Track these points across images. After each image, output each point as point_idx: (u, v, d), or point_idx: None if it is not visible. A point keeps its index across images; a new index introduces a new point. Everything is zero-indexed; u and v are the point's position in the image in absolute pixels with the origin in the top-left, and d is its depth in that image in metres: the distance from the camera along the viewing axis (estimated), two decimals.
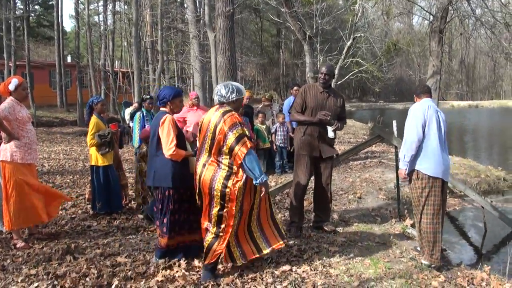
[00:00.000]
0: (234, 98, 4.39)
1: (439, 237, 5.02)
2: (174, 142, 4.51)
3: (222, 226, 4.24)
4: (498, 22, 15.48)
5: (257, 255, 4.56)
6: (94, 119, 6.58)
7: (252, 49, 49.94)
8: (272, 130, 10.04)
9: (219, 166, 4.21)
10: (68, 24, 79.60)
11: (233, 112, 4.26)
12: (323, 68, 5.82)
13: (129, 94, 23.14)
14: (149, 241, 5.49)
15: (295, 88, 9.76)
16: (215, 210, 4.21)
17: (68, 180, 9.58)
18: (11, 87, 5.26)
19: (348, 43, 17.36)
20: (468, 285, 4.55)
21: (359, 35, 17.91)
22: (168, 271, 4.44)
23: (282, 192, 7.86)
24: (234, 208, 4.18)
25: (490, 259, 6.45)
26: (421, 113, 4.96)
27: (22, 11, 34.66)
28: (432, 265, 4.98)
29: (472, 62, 73.57)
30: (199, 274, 4.38)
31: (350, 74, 20.03)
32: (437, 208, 4.99)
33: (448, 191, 6.45)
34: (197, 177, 4.33)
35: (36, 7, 46.75)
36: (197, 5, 20.92)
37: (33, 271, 4.48)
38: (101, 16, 35.38)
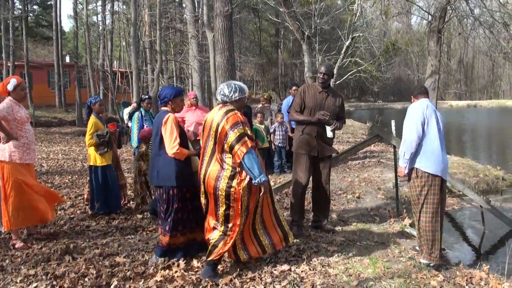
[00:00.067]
0: (237, 97, 4.41)
1: (438, 236, 5.03)
2: (178, 140, 4.52)
3: (230, 225, 4.27)
4: (496, 22, 15.50)
5: (261, 255, 4.64)
6: (92, 119, 6.58)
7: (250, 49, 49.91)
8: (271, 130, 10.04)
9: (222, 165, 4.22)
10: (67, 24, 79.41)
11: (235, 111, 4.28)
12: (322, 68, 5.82)
13: (128, 94, 23.12)
14: (147, 241, 5.49)
15: (294, 88, 9.77)
16: (221, 210, 4.24)
17: (66, 180, 9.57)
18: (10, 87, 5.26)
19: (347, 43, 17.37)
20: (467, 285, 4.55)
21: (357, 35, 17.93)
22: (167, 271, 4.44)
23: (281, 192, 7.86)
24: (239, 207, 4.21)
25: (489, 259, 6.46)
26: (420, 112, 5.00)
27: (20, 11, 34.59)
28: (431, 264, 4.99)
29: (470, 61, 73.62)
30: (198, 274, 4.37)
31: (349, 74, 20.03)
32: (436, 206, 5.00)
33: (447, 190, 6.46)
34: (201, 176, 4.35)
35: (35, 7, 46.71)
36: (196, 5, 20.87)
37: (32, 272, 4.48)
38: (99, 16, 35.27)
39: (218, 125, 4.20)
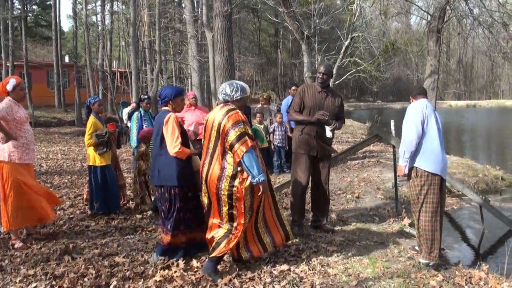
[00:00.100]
0: (239, 97, 4.45)
1: (438, 235, 5.04)
2: (180, 140, 4.54)
3: (234, 224, 4.31)
4: (495, 22, 15.51)
5: (262, 253, 4.67)
6: (91, 119, 6.57)
7: (250, 49, 49.93)
8: (270, 130, 10.05)
9: (224, 165, 4.24)
10: (66, 24, 79.41)
11: (237, 110, 4.31)
12: (321, 67, 5.82)
13: (127, 94, 23.13)
14: (147, 241, 5.49)
15: (293, 88, 9.78)
16: (224, 209, 4.28)
17: (66, 180, 9.57)
18: (9, 87, 5.25)
19: (346, 43, 17.40)
20: (466, 284, 4.55)
21: (357, 34, 17.96)
22: (166, 271, 4.44)
23: (280, 192, 7.86)
24: (243, 206, 4.24)
25: (488, 258, 6.45)
26: (419, 111, 5.02)
27: (20, 11, 34.57)
28: (430, 263, 4.99)
29: (470, 61, 73.64)
30: (198, 274, 4.38)
31: (348, 73, 20.06)
32: (436, 206, 5.01)
33: (446, 190, 6.46)
34: (203, 176, 4.37)
35: (34, 7, 46.62)
36: (195, 5, 20.90)
37: (31, 272, 4.47)
38: (99, 16, 35.27)
39: (219, 124, 4.23)
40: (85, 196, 7.36)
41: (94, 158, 6.56)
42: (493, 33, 16.04)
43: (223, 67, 8.93)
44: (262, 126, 9.89)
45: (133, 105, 9.45)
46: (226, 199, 4.23)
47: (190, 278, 4.29)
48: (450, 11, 15.57)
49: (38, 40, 46.29)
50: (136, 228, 6.14)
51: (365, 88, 52.79)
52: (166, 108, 4.79)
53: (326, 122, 5.64)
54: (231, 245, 4.32)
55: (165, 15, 21.36)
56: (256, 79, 55.44)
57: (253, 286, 4.17)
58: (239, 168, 4.20)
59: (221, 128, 4.21)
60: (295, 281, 4.27)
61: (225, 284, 4.17)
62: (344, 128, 22.02)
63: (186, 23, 18.89)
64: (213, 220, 4.41)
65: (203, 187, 4.43)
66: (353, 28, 18.25)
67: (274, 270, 4.50)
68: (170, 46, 26.74)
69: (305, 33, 15.39)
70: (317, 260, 4.83)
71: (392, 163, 7.69)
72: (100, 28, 32.38)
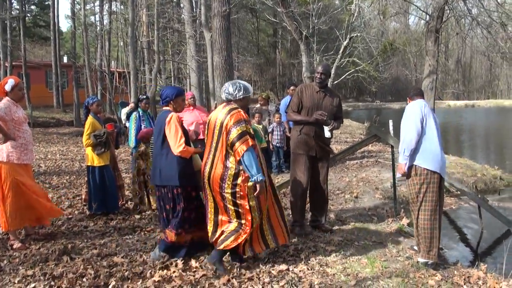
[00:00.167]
0: (241, 96, 4.50)
1: (437, 234, 5.05)
2: (183, 139, 4.56)
3: (242, 221, 4.37)
4: (494, 22, 15.52)
5: (264, 250, 4.72)
6: (90, 119, 6.57)
7: (248, 49, 49.93)
8: (269, 130, 10.05)
9: (226, 164, 4.30)
10: (64, 24, 79.58)
11: (239, 110, 4.37)
12: (319, 67, 5.82)
13: (126, 94, 23.15)
14: (145, 241, 5.49)
15: (292, 87, 9.78)
16: (230, 207, 4.35)
17: (64, 181, 9.56)
18: (8, 87, 5.25)
19: (345, 43, 17.42)
20: (464, 284, 4.56)
21: (355, 34, 17.98)
22: (165, 271, 4.44)
23: (279, 192, 7.85)
24: (247, 204, 4.29)
25: (487, 258, 6.46)
26: (418, 110, 5.08)
27: (18, 11, 34.59)
28: (429, 262, 4.99)
29: (468, 61, 73.67)
30: (197, 274, 4.38)
31: (347, 73, 20.10)
32: (435, 204, 5.03)
33: (444, 190, 6.46)
34: (206, 175, 4.41)
35: (32, 7, 46.63)
36: (194, 5, 20.91)
37: (30, 272, 4.47)
38: (97, 16, 35.33)
39: (222, 123, 4.29)
40: (83, 197, 7.36)
41: (93, 158, 6.55)
42: (492, 33, 16.07)
43: (222, 67, 8.92)
44: (260, 126, 9.89)
45: (132, 105, 9.45)
46: (230, 197, 4.29)
47: (189, 278, 4.30)
48: (448, 11, 15.58)
49: (36, 40, 46.23)
50: (134, 228, 6.14)
51: (363, 88, 52.79)
52: (167, 108, 4.81)
53: (324, 122, 5.64)
54: (239, 241, 4.37)
55: (163, 15, 21.37)
56: (254, 79, 55.41)
57: (252, 286, 4.17)
58: (241, 167, 4.25)
59: (223, 126, 4.26)
60: (293, 281, 4.27)
61: (224, 284, 4.17)
62: (342, 128, 22.03)
63: (184, 23, 18.89)
64: (222, 217, 4.46)
65: (206, 186, 4.45)
66: (352, 28, 18.28)
67: (273, 270, 4.50)
68: (168, 46, 26.74)
69: (304, 33, 15.41)
70: (315, 260, 4.84)
71: (391, 163, 7.70)
72: (98, 28, 32.34)
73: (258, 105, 10.80)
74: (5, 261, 4.83)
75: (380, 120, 24.34)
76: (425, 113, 5.06)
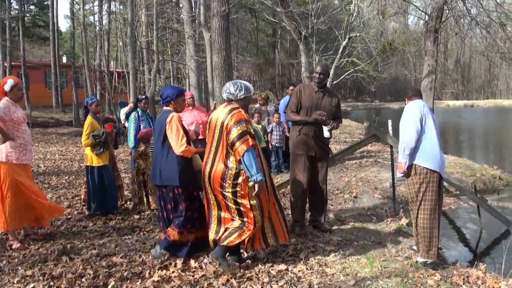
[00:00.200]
0: (243, 96, 4.53)
1: (436, 233, 5.06)
2: (185, 138, 4.58)
3: (245, 219, 4.39)
4: (493, 22, 15.52)
5: (264, 249, 4.76)
6: (89, 119, 6.57)
7: (247, 49, 49.90)
8: (268, 130, 10.06)
9: (227, 164, 4.33)
10: (64, 24, 79.53)
11: (240, 109, 4.41)
12: (318, 67, 5.82)
13: (125, 94, 23.14)
14: (145, 241, 5.49)
15: (291, 87, 9.77)
16: (231, 206, 4.37)
17: (63, 181, 9.56)
18: (7, 87, 5.25)
19: (344, 43, 17.41)
20: (463, 283, 4.56)
21: (354, 34, 17.96)
22: (164, 271, 4.44)
23: (278, 192, 7.85)
24: (248, 203, 4.32)
25: (486, 258, 6.47)
26: (417, 109, 5.13)
27: (17, 11, 34.57)
28: (428, 261, 5.00)
29: (467, 61, 73.73)
30: (196, 274, 4.38)
31: (346, 73, 20.09)
32: (434, 203, 5.04)
33: (444, 190, 6.46)
34: (206, 174, 4.44)
35: (31, 7, 46.53)
36: (193, 5, 20.88)
37: (29, 272, 4.47)
38: (96, 16, 35.36)
39: (222, 123, 4.32)
40: (82, 197, 7.35)
41: (92, 158, 6.55)
42: (491, 33, 16.05)
43: (221, 67, 8.92)
44: (260, 126, 9.89)
45: (131, 105, 9.45)
46: (231, 196, 4.32)
47: (188, 278, 4.30)
48: (447, 11, 15.57)
49: (35, 40, 46.18)
50: (134, 228, 6.14)
51: (363, 88, 52.80)
52: (168, 108, 4.81)
53: (323, 122, 5.64)
54: (242, 237, 4.39)
55: (162, 15, 21.37)
56: (253, 79, 55.38)
57: (251, 286, 4.17)
58: (241, 166, 4.28)
59: (224, 126, 4.29)
60: (293, 281, 4.27)
61: (223, 284, 4.17)
62: (342, 128, 22.04)
63: (183, 23, 18.89)
64: (225, 215, 4.48)
65: (206, 185, 4.46)
66: (351, 28, 18.27)
67: (272, 270, 4.50)
68: (167, 46, 26.76)
69: (303, 33, 15.40)
70: (315, 259, 4.84)
71: (390, 163, 7.70)
72: (97, 28, 32.34)
73: (257, 105, 10.80)
74: (4, 261, 4.83)
75: (379, 120, 24.36)
76: (424, 112, 5.09)
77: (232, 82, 4.62)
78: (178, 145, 4.53)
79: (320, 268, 4.63)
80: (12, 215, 5.21)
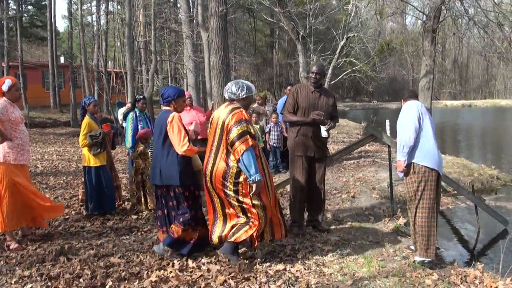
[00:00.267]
0: (244, 96, 4.58)
1: (434, 231, 5.08)
2: (187, 138, 4.60)
3: (249, 214, 4.44)
4: (491, 22, 15.52)
5: (260, 242, 4.77)
6: (86, 119, 6.56)
7: (245, 49, 49.85)
8: (266, 130, 10.06)
9: (228, 163, 4.37)
10: (61, 25, 79.17)
11: (241, 109, 4.45)
12: (314, 67, 5.83)
13: (123, 94, 23.08)
14: (142, 242, 5.48)
15: (289, 87, 9.77)
16: (234, 204, 4.42)
17: (61, 181, 9.55)
18: (4, 87, 5.24)
19: (342, 43, 17.41)
20: (461, 283, 4.57)
21: (352, 35, 17.96)
22: (162, 271, 4.44)
23: (276, 192, 7.85)
24: (249, 201, 4.36)
25: (483, 257, 6.47)
26: (415, 108, 5.17)
27: (15, 12, 34.45)
28: (426, 260, 5.00)
29: (465, 61, 73.82)
30: (193, 275, 4.38)
31: (344, 73, 20.08)
32: (432, 202, 5.06)
33: (441, 189, 6.46)
34: (207, 173, 4.47)
35: (29, 7, 46.50)
36: (190, 5, 20.89)
37: (26, 273, 4.46)
38: (94, 16, 35.29)
39: (223, 122, 4.37)
40: (80, 197, 7.35)
41: (89, 158, 6.54)
42: (488, 33, 16.06)
43: (219, 67, 8.92)
44: (258, 126, 9.89)
45: (129, 105, 9.42)
46: (233, 195, 4.38)
47: (185, 278, 4.30)
48: (445, 11, 15.58)
49: (33, 40, 46.17)
50: (131, 228, 6.14)
51: (360, 88, 52.87)
52: (168, 108, 4.82)
53: (321, 122, 5.64)
54: (249, 233, 4.43)
55: (160, 15, 21.36)
56: (252, 79, 55.23)
57: (249, 286, 4.17)
58: None
59: (225, 125, 4.33)
60: (290, 281, 4.27)
61: (221, 284, 4.17)
62: (339, 128, 22.08)
63: (181, 23, 18.89)
64: (230, 211, 4.52)
65: (208, 184, 4.49)
66: (349, 28, 18.25)
67: (270, 269, 4.51)
68: (165, 47, 26.74)
69: (301, 33, 15.39)
70: (312, 259, 4.84)
71: (388, 162, 7.71)
72: (95, 28, 32.33)
73: (255, 105, 10.80)
74: (1, 262, 4.82)
75: (377, 120, 24.35)
76: (421, 111, 5.13)
77: (234, 81, 4.66)
78: (181, 144, 4.54)
79: (318, 268, 4.63)
80: (10, 215, 5.20)
